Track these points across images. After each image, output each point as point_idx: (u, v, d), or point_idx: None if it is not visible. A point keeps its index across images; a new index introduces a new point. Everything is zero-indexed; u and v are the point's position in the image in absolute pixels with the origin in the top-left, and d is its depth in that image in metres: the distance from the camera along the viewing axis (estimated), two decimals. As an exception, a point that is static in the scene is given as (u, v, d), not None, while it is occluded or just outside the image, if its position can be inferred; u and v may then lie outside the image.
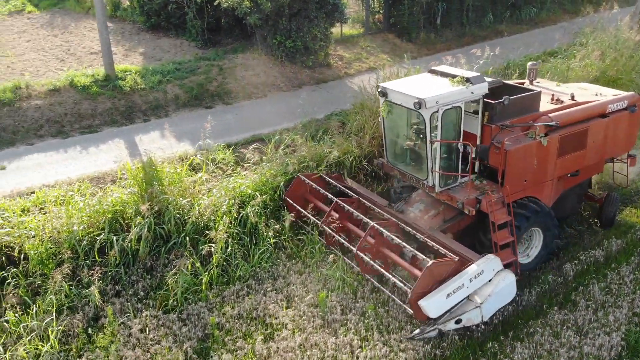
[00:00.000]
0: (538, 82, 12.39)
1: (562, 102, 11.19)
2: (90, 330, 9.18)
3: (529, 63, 12.58)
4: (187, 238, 10.67)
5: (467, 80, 9.84)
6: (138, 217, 10.60)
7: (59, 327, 8.93)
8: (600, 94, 11.69)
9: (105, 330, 9.16)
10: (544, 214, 10.55)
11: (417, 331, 8.85)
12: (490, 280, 9.04)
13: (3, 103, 14.76)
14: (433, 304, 8.58)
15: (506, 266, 9.59)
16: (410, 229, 10.02)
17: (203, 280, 10.01)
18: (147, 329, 9.17)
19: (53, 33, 22.04)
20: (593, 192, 12.93)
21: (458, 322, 8.84)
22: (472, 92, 9.86)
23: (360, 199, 11.16)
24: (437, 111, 9.60)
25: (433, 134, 9.79)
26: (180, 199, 11.24)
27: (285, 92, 17.69)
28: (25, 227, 10.40)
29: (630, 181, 13.15)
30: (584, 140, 10.93)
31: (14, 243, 10.18)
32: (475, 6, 24.51)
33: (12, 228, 10.39)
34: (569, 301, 9.93)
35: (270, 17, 17.73)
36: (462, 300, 8.86)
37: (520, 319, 9.56)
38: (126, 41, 21.42)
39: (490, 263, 9.10)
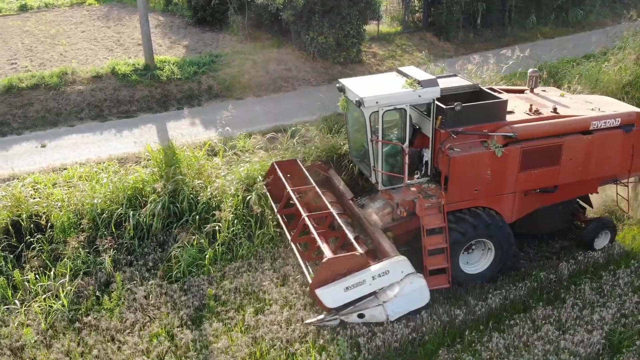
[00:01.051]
0: (544, 91, 12.04)
1: (540, 113, 10.61)
2: (99, 294, 10.07)
3: (530, 70, 12.19)
4: (198, 217, 11.44)
5: (419, 83, 9.86)
6: (154, 195, 11.46)
7: (71, 289, 9.86)
8: (601, 109, 10.88)
9: (112, 294, 10.02)
10: (495, 227, 10.26)
11: (320, 317, 9.20)
12: (400, 282, 9.22)
13: (50, 87, 16.07)
14: (329, 295, 8.96)
15: (437, 272, 9.87)
16: (345, 223, 10.30)
17: (207, 256, 10.74)
18: (150, 295, 9.98)
19: (107, 25, 23.50)
20: (586, 214, 12.34)
21: (361, 316, 9.20)
22: (419, 96, 9.81)
23: (317, 188, 11.09)
24: (377, 111, 9.74)
25: (374, 133, 9.92)
26: (195, 180, 12.03)
27: (315, 87, 18.25)
28: (54, 199, 11.46)
29: (632, 208, 12.26)
30: (557, 156, 10.33)
31: (42, 212, 11.24)
32: (518, 7, 24.28)
33: (42, 199, 11.47)
34: (558, 299, 10.04)
35: (303, 13, 18.35)
36: (368, 296, 9.20)
37: (506, 312, 9.76)
38: (173, 34, 22.58)
39: (398, 264, 9.27)
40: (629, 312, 9.54)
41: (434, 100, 9.93)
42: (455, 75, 11.60)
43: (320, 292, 8.92)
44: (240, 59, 18.73)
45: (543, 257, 11.73)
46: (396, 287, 9.20)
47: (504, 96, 10.66)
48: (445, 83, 10.63)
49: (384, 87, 10.04)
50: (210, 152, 13.52)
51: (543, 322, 9.37)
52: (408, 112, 9.88)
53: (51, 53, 19.70)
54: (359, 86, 10.14)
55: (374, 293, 9.27)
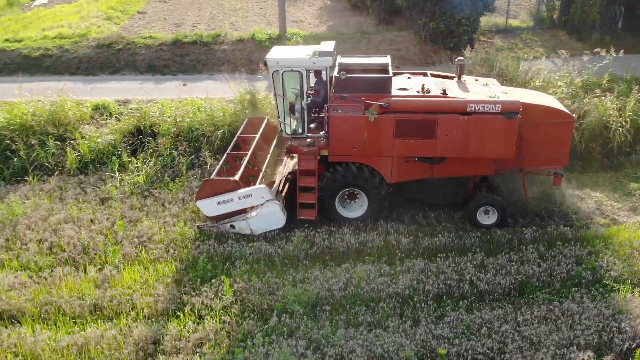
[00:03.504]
0: (476, 80, 12.83)
1: (429, 92, 11.61)
2: (168, 179, 14.19)
3: (457, 59, 12.89)
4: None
5: (318, 53, 11.83)
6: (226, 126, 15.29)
7: (152, 172, 14.19)
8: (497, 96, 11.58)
9: (177, 181, 14.09)
10: (364, 180, 11.89)
11: (207, 223, 12.03)
12: (261, 205, 11.54)
13: (204, 44, 21.01)
14: (206, 206, 11.75)
15: (308, 206, 12.04)
16: (263, 167, 12.81)
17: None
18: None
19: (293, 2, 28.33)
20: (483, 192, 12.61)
21: (232, 227, 11.87)
22: (313, 62, 11.76)
23: (258, 138, 13.41)
24: (278, 71, 11.76)
25: (277, 91, 12.05)
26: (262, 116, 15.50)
27: (417, 67, 20.36)
28: (166, 116, 15.99)
29: (529, 197, 12.73)
30: (432, 130, 11.35)
31: (156, 123, 15.82)
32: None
33: (159, 115, 16.07)
34: (495, 252, 11.31)
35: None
36: (238, 213, 11.73)
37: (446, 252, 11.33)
38: (328, 16, 26.42)
39: (259, 191, 11.60)
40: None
41: (327, 68, 11.77)
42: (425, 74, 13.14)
43: (199, 203, 11.91)
44: (358, 38, 21.68)
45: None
46: (258, 209, 11.66)
47: (406, 78, 12.54)
48: (382, 66, 12.44)
49: (291, 54, 12.24)
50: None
51: (470, 261, 10.92)
52: (304, 75, 11.97)
53: (225, 22, 24.94)
54: (277, 51, 12.44)
55: (244, 211, 11.79)
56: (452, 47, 21.13)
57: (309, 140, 12.36)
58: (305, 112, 12.28)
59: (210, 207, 11.81)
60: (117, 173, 14.40)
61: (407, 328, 9.10)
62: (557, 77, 16.55)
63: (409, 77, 12.81)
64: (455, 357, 8.47)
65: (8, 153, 15.08)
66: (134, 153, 15.36)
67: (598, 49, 17.00)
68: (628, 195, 13.79)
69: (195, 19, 25.72)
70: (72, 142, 15.38)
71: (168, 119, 15.81)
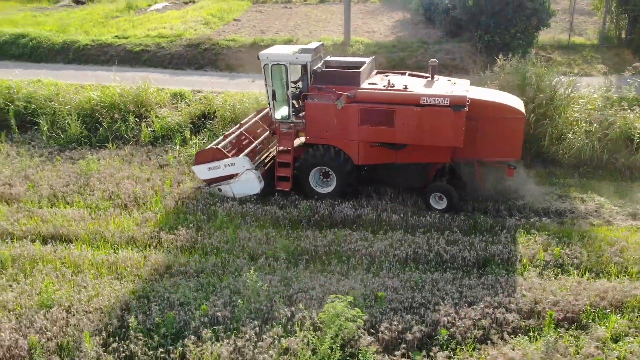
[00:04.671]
0: (449, 80, 14.10)
1: (393, 87, 13.23)
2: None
3: (430, 60, 14.28)
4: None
5: (300, 50, 13.74)
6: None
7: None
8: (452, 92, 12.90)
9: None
10: (331, 160, 13.72)
11: (201, 185, 14.58)
12: (241, 173, 13.85)
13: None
14: (199, 170, 14.28)
15: (284, 179, 14.29)
16: (254, 144, 14.95)
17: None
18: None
19: (366, 16, 30.50)
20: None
21: (219, 190, 14.27)
22: (296, 58, 13.54)
23: (257, 121, 15.90)
24: (267, 64, 13.77)
25: (267, 81, 13.95)
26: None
27: (466, 76, 21.57)
28: (226, 103, 18.66)
29: (485, 187, 14.15)
30: (391, 119, 12.92)
31: (218, 111, 18.55)
32: None
33: (220, 103, 18.80)
34: (472, 234, 12.55)
35: (473, 12, 21.77)
36: (225, 178, 14.02)
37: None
38: (400, 27, 28.21)
39: (240, 160, 13.86)
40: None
41: (307, 63, 13.49)
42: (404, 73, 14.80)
43: (194, 168, 14.49)
44: (417, 48, 23.25)
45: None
46: (239, 175, 13.91)
47: (384, 76, 14.33)
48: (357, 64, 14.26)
49: (281, 51, 14.21)
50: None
51: (445, 237, 12.30)
52: (289, 68, 13.79)
53: (304, 30, 27.54)
54: (273, 49, 14.83)
55: (231, 177, 14.02)
56: (505, 59, 22.07)
57: (291, 124, 14.37)
58: (290, 100, 14.22)
59: (203, 171, 14.32)
60: (178, 146, 17.24)
61: (365, 278, 10.76)
62: (589, 91, 17.18)
63: (386, 75, 14.58)
64: (396, 302, 10.01)
65: (97, 124, 18.49)
66: (197, 132, 18.17)
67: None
68: (632, 202, 14.29)
69: (281, 27, 28.56)
70: (148, 120, 18.50)
71: (228, 107, 18.48)
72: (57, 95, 19.30)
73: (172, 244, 12.28)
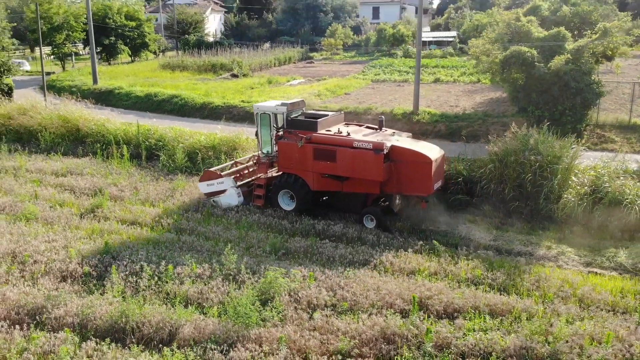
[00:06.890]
0: (394, 133, 18.23)
1: (340, 133, 17.42)
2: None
3: (379, 116, 18.96)
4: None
5: (281, 105, 18.74)
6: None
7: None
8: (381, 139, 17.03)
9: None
10: (291, 185, 18.12)
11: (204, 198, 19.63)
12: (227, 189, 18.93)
13: (357, 114, 28.19)
14: (202, 186, 19.58)
15: (259, 197, 19.13)
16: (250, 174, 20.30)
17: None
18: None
19: (466, 94, 34.12)
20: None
21: (215, 201, 19.20)
22: (277, 109, 18.69)
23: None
24: (258, 113, 18.93)
25: (257, 126, 19.24)
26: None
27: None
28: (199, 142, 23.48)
29: (398, 209, 18.40)
30: (334, 156, 17.09)
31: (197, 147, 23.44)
32: None
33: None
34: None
35: (523, 90, 24.30)
36: (218, 193, 19.03)
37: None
38: (489, 104, 31.10)
39: (227, 181, 18.97)
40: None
41: (283, 113, 18.54)
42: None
43: (199, 184, 19.77)
44: (477, 119, 26.20)
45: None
46: (226, 191, 18.98)
47: (343, 128, 18.40)
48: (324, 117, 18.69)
49: (269, 104, 19.44)
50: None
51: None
52: (271, 116, 18.77)
53: (394, 103, 31.79)
54: (266, 102, 20.42)
55: (223, 191, 19.04)
56: (556, 133, 24.02)
57: (268, 156, 19.52)
58: (273, 140, 19.03)
59: (204, 187, 19.58)
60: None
61: (314, 268, 14.38)
62: (602, 161, 18.95)
63: (347, 126, 18.74)
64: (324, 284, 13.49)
65: (198, 160, 24.48)
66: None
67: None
68: (593, 253, 15.80)
69: (376, 100, 33.12)
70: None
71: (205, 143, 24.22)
72: (179, 137, 25.83)
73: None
